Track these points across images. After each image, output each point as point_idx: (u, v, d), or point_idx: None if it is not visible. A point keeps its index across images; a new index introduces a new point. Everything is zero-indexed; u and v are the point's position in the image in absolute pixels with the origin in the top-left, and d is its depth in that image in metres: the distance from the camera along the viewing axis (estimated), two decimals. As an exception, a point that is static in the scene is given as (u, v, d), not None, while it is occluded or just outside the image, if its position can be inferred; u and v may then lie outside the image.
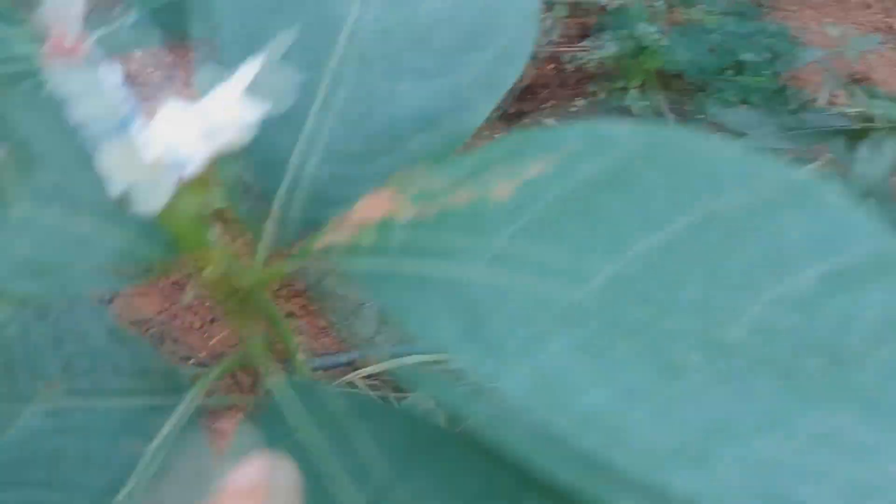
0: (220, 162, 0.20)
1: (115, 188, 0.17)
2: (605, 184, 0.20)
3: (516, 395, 0.18)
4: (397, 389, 0.65)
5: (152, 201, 0.18)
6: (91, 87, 0.16)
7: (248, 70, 0.20)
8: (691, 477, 0.17)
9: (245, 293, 0.23)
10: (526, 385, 0.18)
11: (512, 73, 0.24)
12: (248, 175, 0.24)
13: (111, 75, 0.17)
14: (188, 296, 0.23)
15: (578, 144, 0.20)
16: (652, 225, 0.20)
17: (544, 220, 0.20)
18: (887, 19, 1.23)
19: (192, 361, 0.78)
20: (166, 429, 0.23)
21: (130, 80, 0.17)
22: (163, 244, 0.21)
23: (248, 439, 0.21)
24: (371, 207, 0.21)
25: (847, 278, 0.18)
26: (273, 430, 0.22)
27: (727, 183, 0.20)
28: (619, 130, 0.20)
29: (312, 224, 0.24)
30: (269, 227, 0.24)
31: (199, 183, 0.19)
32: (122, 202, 0.18)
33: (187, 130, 0.18)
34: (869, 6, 1.26)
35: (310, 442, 0.21)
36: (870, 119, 0.79)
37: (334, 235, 0.21)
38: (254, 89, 0.20)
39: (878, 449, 0.16)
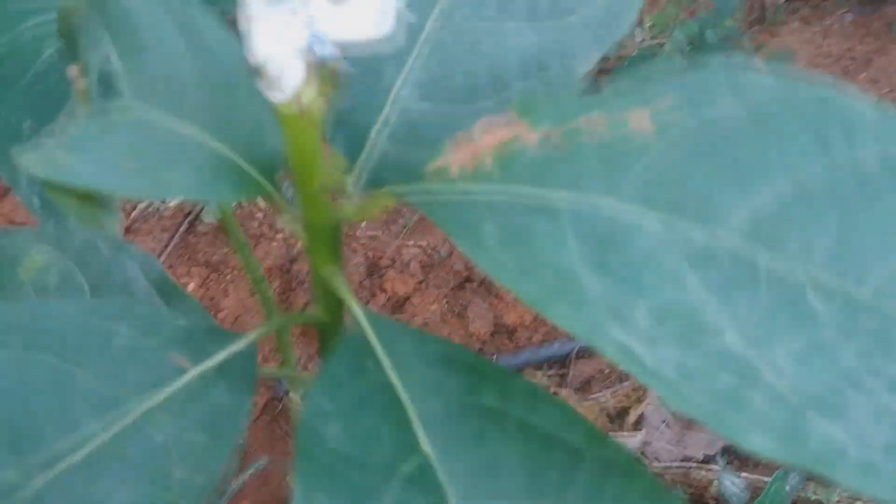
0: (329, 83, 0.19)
1: (255, 63, 0.16)
2: (740, 126, 0.19)
3: (643, 327, 0.18)
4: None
5: (285, 87, 0.17)
6: None
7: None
8: (826, 423, 0.17)
9: (336, 227, 0.22)
10: (655, 319, 0.18)
11: (623, 21, 0.24)
12: (347, 106, 0.23)
13: None
14: (284, 220, 0.21)
15: (713, 84, 0.20)
16: (787, 170, 0.19)
17: (679, 158, 0.19)
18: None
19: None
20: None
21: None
22: (270, 153, 0.20)
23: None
24: (489, 134, 0.20)
25: None
26: (354, 354, 0.21)
27: (862, 135, 0.19)
28: (755, 74, 0.20)
29: (405, 164, 0.23)
30: (363, 162, 0.23)
31: (322, 82, 0.18)
32: (258, 85, 0.17)
33: (324, 30, 0.18)
34: None
35: (384, 364, 0.20)
36: None
37: (450, 158, 0.20)
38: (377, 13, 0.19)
39: None
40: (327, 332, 0.24)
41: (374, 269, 0.94)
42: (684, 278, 0.18)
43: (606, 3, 0.24)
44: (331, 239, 0.22)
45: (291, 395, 0.50)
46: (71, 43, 0.22)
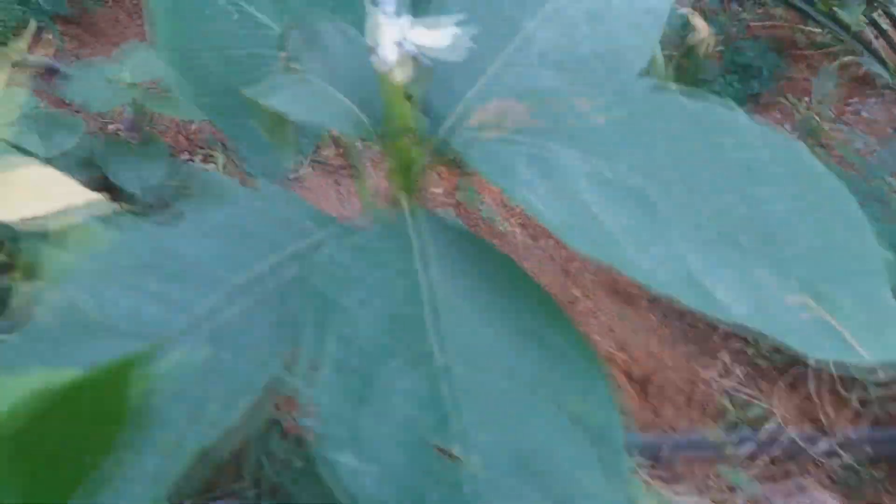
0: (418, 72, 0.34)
1: (373, 44, 0.32)
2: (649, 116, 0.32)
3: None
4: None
5: (388, 62, 0.32)
6: None
7: (448, 23, 0.34)
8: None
9: (407, 160, 0.37)
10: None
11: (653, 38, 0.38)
12: (434, 97, 0.38)
13: None
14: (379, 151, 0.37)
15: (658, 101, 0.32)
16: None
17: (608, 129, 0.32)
18: None
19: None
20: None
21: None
22: (375, 110, 0.36)
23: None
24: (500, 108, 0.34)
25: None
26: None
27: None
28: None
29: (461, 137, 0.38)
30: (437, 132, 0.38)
31: (417, 72, 0.33)
32: (373, 57, 0.32)
33: (407, 33, 0.33)
34: None
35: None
36: None
37: (479, 117, 0.34)
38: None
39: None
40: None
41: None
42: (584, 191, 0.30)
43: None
44: (406, 170, 0.37)
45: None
46: (284, 43, 0.39)
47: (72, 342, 0.29)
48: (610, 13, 0.40)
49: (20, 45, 0.38)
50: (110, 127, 1.33)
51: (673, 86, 0.36)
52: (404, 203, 0.36)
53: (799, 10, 1.55)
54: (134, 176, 1.06)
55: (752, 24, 1.68)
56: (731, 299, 0.26)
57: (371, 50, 0.33)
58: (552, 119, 0.33)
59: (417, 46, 0.33)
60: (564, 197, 0.29)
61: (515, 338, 0.29)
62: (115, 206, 0.38)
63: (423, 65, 0.34)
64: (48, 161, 0.83)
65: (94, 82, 1.03)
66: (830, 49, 1.61)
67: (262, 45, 0.61)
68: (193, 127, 1.40)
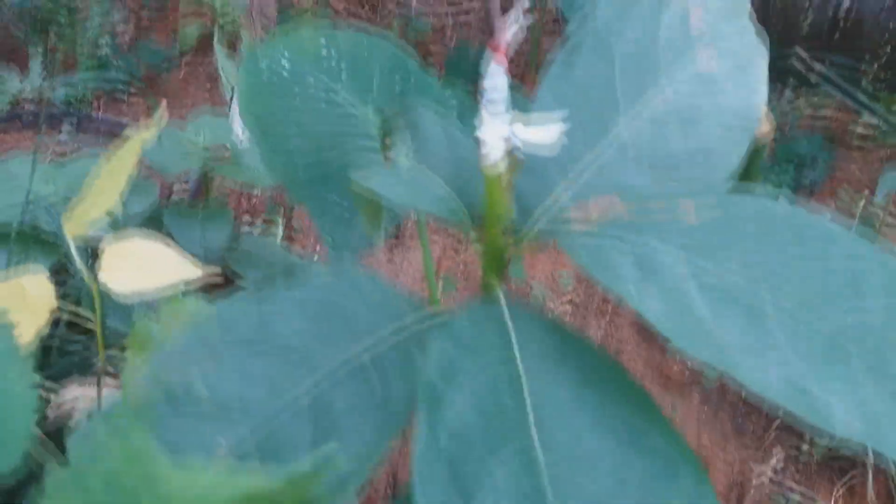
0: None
1: (481, 140, 0.33)
2: (747, 223, 0.32)
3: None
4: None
5: (493, 157, 0.33)
6: (500, 78, 0.32)
7: (551, 121, 0.36)
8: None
9: (503, 252, 0.38)
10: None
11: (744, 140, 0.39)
12: (527, 189, 0.39)
13: (502, 72, 0.33)
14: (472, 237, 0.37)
15: (744, 201, 0.33)
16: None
17: (704, 231, 0.32)
18: None
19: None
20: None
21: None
22: (473, 200, 0.37)
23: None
24: (597, 205, 0.35)
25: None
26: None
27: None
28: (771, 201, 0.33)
29: (554, 228, 0.39)
30: (529, 222, 0.39)
31: (513, 163, 0.34)
32: (479, 152, 0.34)
33: (515, 131, 0.34)
34: None
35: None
36: None
37: (579, 213, 0.35)
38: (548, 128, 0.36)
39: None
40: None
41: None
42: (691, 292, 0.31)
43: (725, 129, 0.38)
44: (498, 259, 0.37)
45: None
46: (386, 130, 0.41)
47: (182, 418, 0.30)
48: (701, 115, 0.41)
49: (152, 131, 0.40)
50: (175, 187, 1.38)
51: (762, 188, 0.37)
52: (499, 292, 0.36)
53: (855, 101, 1.55)
54: (198, 239, 1.09)
55: (804, 116, 1.69)
56: (845, 414, 0.26)
57: (476, 144, 0.34)
58: (650, 217, 0.34)
59: (522, 142, 0.34)
60: (671, 299, 0.30)
61: (616, 437, 0.29)
62: (220, 279, 0.39)
63: (518, 157, 0.35)
64: (123, 222, 0.85)
65: (169, 146, 1.07)
66: (887, 143, 1.60)
67: (346, 125, 0.63)
68: (255, 196, 1.44)
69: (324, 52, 0.68)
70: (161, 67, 1.80)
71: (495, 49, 0.31)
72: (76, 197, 0.37)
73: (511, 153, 0.34)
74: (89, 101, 1.62)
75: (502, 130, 0.33)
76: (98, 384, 0.41)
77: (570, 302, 1.28)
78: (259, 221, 1.38)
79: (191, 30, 1.82)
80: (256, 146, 0.62)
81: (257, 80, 0.66)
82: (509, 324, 0.34)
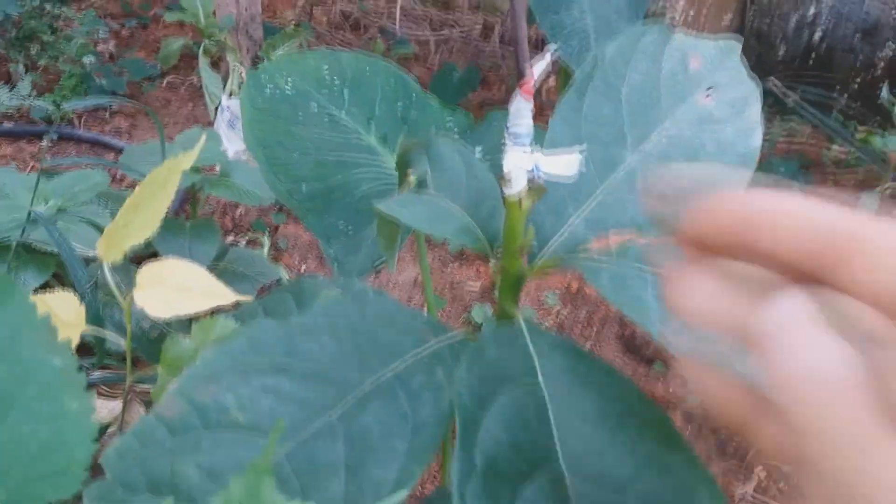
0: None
1: (505, 171, 0.35)
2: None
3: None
4: None
5: (516, 188, 0.35)
6: (527, 114, 0.34)
7: (571, 153, 0.37)
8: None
9: (520, 277, 0.39)
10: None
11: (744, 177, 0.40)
12: (546, 219, 0.41)
13: (529, 108, 0.35)
14: (491, 266, 0.39)
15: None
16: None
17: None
18: None
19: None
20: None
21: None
22: (492, 227, 0.38)
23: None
24: (615, 237, 0.36)
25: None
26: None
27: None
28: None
29: (567, 254, 0.40)
30: (547, 247, 0.41)
31: (533, 192, 0.36)
32: (503, 183, 0.35)
33: (538, 162, 0.36)
34: None
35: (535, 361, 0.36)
36: None
37: (599, 244, 0.36)
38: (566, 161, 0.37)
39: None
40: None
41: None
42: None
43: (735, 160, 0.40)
44: (516, 284, 0.39)
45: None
46: (403, 162, 0.42)
47: (217, 438, 0.31)
48: (703, 152, 0.43)
49: (189, 157, 0.41)
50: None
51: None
52: (520, 318, 0.38)
53: (827, 129, 1.60)
54: (185, 255, 1.09)
55: (779, 141, 1.74)
56: None
57: (492, 172, 0.36)
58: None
59: (544, 173, 0.36)
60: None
61: (638, 458, 0.31)
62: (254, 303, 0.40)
63: (540, 186, 0.37)
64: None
65: (158, 161, 1.07)
66: (856, 169, 1.66)
67: (350, 149, 0.65)
68: (239, 210, 1.44)
69: (326, 76, 0.69)
70: (143, 83, 1.80)
71: (524, 88, 0.32)
72: (109, 224, 0.37)
73: (532, 183, 0.36)
74: (70, 115, 1.61)
75: (526, 163, 0.35)
76: (124, 399, 0.41)
77: (557, 321, 1.30)
78: (244, 239, 1.38)
79: (173, 46, 1.82)
80: (260, 170, 0.63)
81: (261, 104, 0.67)
82: (531, 348, 0.35)
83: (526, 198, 0.36)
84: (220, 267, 1.22)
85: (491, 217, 0.40)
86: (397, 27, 2.08)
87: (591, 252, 0.36)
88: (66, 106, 1.13)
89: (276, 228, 1.43)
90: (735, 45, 0.47)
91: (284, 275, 1.29)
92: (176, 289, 0.37)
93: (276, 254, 1.36)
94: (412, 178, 0.40)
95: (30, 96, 1.12)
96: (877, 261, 0.18)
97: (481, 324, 1.21)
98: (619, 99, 0.43)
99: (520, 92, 0.32)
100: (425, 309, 1.29)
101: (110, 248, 0.36)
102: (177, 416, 0.32)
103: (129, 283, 0.39)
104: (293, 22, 2.03)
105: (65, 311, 0.37)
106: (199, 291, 0.37)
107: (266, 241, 1.27)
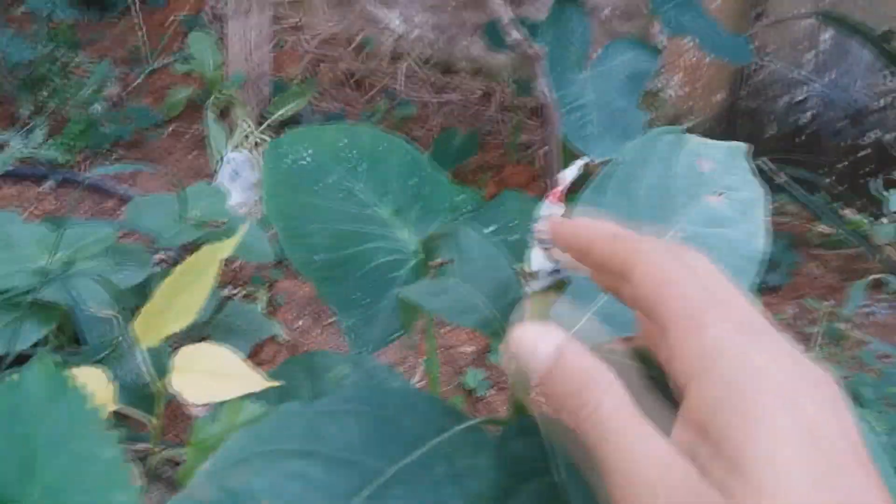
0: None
1: (528, 268, 0.37)
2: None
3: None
4: None
5: (539, 286, 0.37)
6: (555, 215, 0.36)
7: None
8: None
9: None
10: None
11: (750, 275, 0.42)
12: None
13: (559, 213, 0.37)
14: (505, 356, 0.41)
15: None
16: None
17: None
18: None
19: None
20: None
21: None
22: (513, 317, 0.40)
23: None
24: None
25: None
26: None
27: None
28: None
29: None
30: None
31: (554, 290, 0.38)
32: (527, 279, 0.37)
33: (551, 262, 0.38)
34: None
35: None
36: None
37: (615, 346, 0.38)
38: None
39: None
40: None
41: None
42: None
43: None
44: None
45: None
46: (430, 247, 0.44)
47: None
48: (713, 249, 0.46)
49: (230, 244, 0.43)
50: (158, 255, 1.38)
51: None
52: (534, 413, 0.39)
53: (813, 209, 1.65)
54: (183, 308, 1.10)
55: (770, 217, 1.79)
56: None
57: (518, 270, 0.38)
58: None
59: (565, 269, 0.38)
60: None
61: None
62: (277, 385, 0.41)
63: (559, 283, 0.39)
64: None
65: (164, 217, 1.09)
66: (842, 249, 1.70)
67: (365, 222, 0.67)
68: (238, 263, 1.45)
69: (344, 150, 0.71)
70: (148, 130, 1.82)
71: (554, 196, 0.34)
72: (146, 305, 0.38)
73: (554, 279, 0.37)
74: (75, 160, 1.63)
75: (550, 263, 0.37)
76: (149, 479, 0.41)
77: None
78: (242, 292, 1.39)
79: (179, 95, 1.86)
80: (279, 238, 0.65)
81: (280, 174, 0.69)
82: (547, 446, 0.37)
83: (548, 294, 0.38)
84: (215, 321, 1.23)
85: (511, 307, 0.41)
86: (400, 88, 2.14)
87: (610, 351, 0.38)
88: (87, 174, 1.15)
89: (274, 283, 1.44)
90: (743, 148, 0.50)
91: (280, 331, 1.30)
92: (212, 374, 0.38)
93: (273, 309, 1.37)
94: (435, 268, 0.42)
95: (42, 146, 1.14)
96: (645, 268, 0.27)
97: (474, 388, 1.22)
98: (636, 198, 0.46)
99: (549, 197, 0.34)
100: (419, 377, 1.30)
101: (148, 333, 0.37)
102: (206, 499, 0.33)
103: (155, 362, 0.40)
104: (298, 78, 2.08)
105: (95, 388, 0.37)
106: (233, 378, 0.38)
107: (263, 296, 1.27)
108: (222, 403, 0.40)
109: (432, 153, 1.78)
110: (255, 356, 1.23)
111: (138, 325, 0.38)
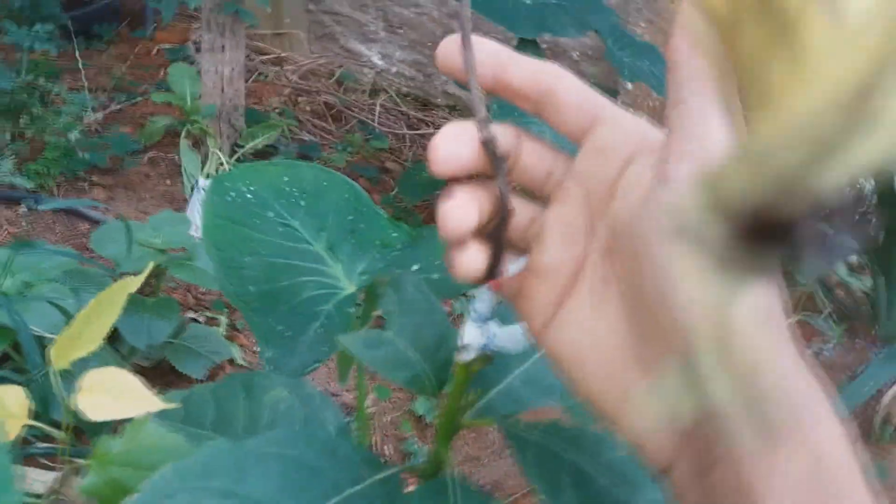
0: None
1: (461, 341, 0.40)
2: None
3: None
4: None
5: (469, 355, 0.40)
6: (492, 302, 0.39)
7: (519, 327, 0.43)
8: None
9: (457, 426, 0.44)
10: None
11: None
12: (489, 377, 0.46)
13: (490, 298, 0.40)
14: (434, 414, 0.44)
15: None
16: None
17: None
18: None
19: None
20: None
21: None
22: (442, 376, 0.44)
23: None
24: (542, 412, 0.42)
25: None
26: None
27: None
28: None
29: (504, 411, 0.45)
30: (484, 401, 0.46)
31: (481, 360, 0.41)
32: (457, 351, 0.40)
33: (484, 338, 0.41)
34: None
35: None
36: None
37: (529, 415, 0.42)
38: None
39: None
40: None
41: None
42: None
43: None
44: (453, 432, 0.44)
45: None
46: (372, 295, 0.48)
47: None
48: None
49: (138, 280, 0.46)
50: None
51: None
52: (450, 471, 0.43)
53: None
54: (144, 331, 1.13)
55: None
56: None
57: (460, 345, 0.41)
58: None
59: (496, 346, 0.41)
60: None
61: None
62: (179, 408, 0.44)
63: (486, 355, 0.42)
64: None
65: (125, 242, 1.12)
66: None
67: (299, 256, 0.71)
68: (202, 289, 1.48)
69: (286, 186, 0.75)
70: (126, 157, 1.86)
71: (494, 285, 0.38)
72: (63, 332, 0.42)
73: (483, 352, 0.41)
74: (49, 185, 1.66)
75: (482, 338, 0.40)
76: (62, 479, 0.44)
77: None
78: (203, 316, 1.42)
79: (158, 124, 1.90)
80: (214, 270, 0.69)
81: (221, 210, 0.73)
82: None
83: (475, 364, 0.41)
84: (175, 344, 1.26)
85: (445, 366, 0.45)
86: (376, 121, 2.19)
87: (521, 423, 0.42)
88: (47, 204, 1.19)
89: (235, 309, 1.47)
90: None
91: (237, 354, 1.33)
92: (113, 396, 0.41)
93: (233, 333, 1.40)
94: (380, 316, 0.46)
95: (12, 172, 1.18)
96: (566, 97, 0.29)
97: (423, 415, 1.25)
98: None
99: (490, 286, 0.38)
100: (371, 402, 1.32)
101: (61, 357, 0.41)
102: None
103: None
104: (276, 109, 2.13)
105: (12, 404, 0.41)
106: (131, 399, 0.41)
107: (223, 320, 1.30)
108: (125, 421, 0.43)
109: (399, 185, 1.82)
110: (212, 377, 1.25)
111: (55, 349, 0.42)
